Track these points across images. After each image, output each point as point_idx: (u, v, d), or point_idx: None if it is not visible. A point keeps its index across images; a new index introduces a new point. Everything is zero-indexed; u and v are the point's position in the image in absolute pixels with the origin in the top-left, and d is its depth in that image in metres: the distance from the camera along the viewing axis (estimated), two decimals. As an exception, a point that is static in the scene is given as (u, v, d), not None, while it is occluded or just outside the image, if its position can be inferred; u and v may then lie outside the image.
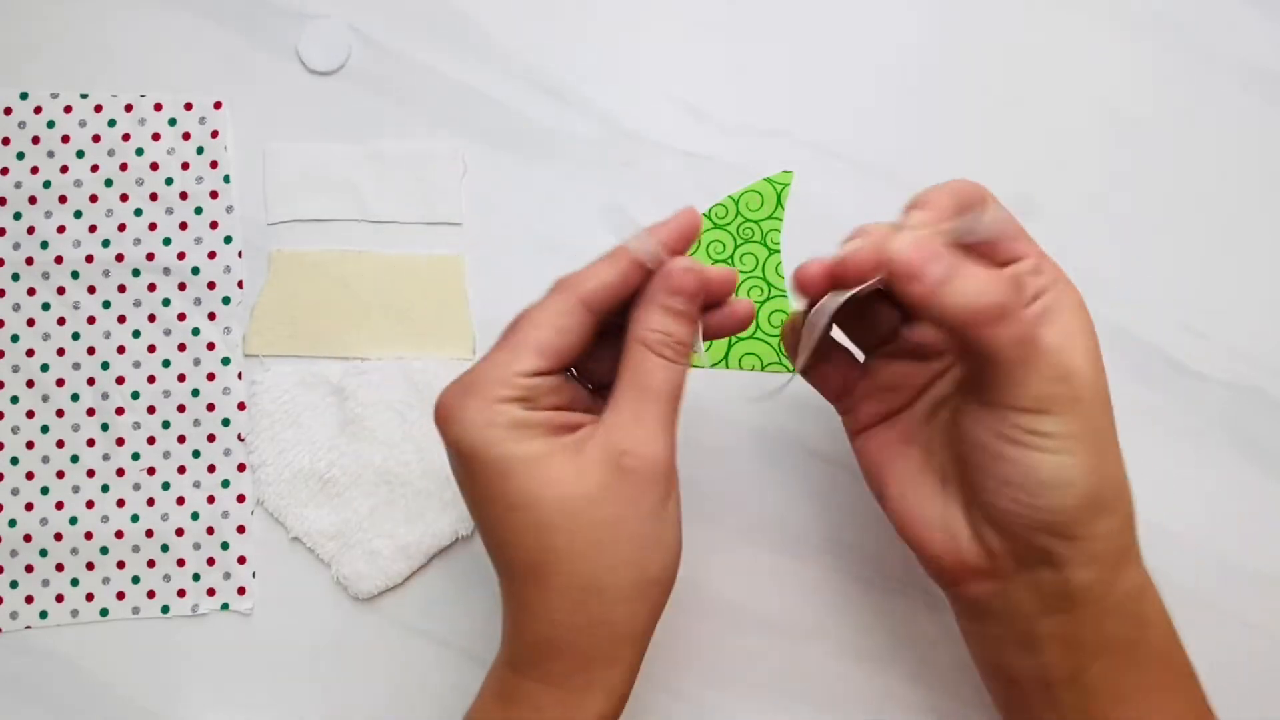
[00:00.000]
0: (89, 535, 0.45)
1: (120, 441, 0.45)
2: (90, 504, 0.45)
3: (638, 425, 0.33)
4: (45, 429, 0.45)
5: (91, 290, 0.46)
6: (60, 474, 0.45)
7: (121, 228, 0.46)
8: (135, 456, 0.45)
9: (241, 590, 0.45)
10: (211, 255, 0.46)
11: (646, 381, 0.33)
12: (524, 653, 0.33)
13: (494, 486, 0.32)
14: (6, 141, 0.46)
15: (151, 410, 0.45)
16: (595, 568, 0.32)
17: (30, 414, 0.45)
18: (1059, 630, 0.32)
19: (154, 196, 0.46)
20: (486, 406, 0.32)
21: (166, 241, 0.46)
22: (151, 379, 0.45)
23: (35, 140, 0.46)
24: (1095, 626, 0.32)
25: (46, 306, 0.46)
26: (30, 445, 0.45)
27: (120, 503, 0.45)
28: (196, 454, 0.45)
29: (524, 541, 0.32)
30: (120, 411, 0.45)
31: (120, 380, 0.45)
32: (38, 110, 0.46)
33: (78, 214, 0.46)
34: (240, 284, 0.46)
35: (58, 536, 0.45)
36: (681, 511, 0.34)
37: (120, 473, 0.45)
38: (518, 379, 0.32)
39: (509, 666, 0.34)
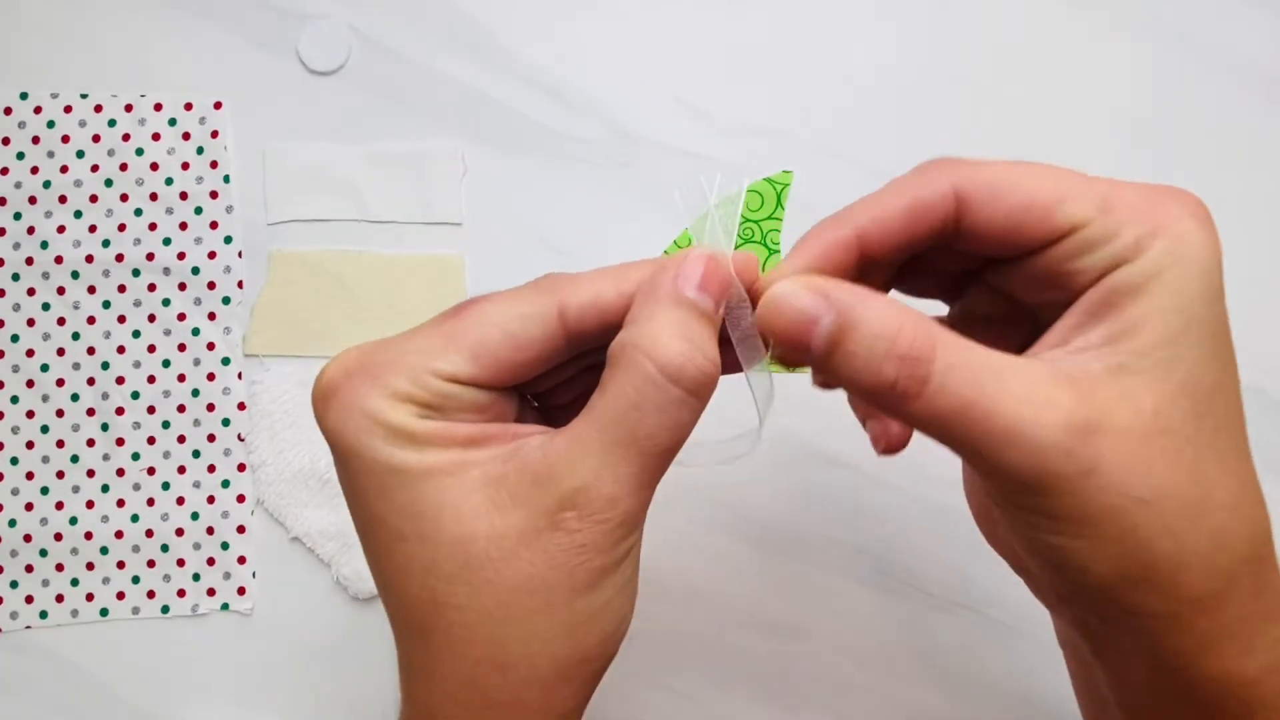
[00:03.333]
0: (89, 535, 0.45)
1: (120, 441, 0.45)
2: (90, 504, 0.45)
3: (603, 473, 0.23)
4: (45, 429, 0.45)
5: (91, 290, 0.46)
6: (60, 474, 0.45)
7: (121, 228, 0.46)
8: (135, 456, 0.45)
9: (241, 590, 0.44)
10: (211, 255, 0.46)
11: (641, 421, 0.23)
12: None
13: (374, 503, 0.24)
14: (6, 141, 0.46)
15: (151, 410, 0.45)
16: (502, 639, 0.23)
17: (30, 414, 0.45)
18: (1121, 670, 0.26)
19: (154, 196, 0.46)
20: (377, 396, 0.24)
21: (166, 241, 0.46)
22: (151, 379, 0.45)
23: (35, 140, 0.46)
24: (1167, 689, 0.25)
25: (46, 306, 0.46)
26: (30, 445, 0.45)
27: (120, 503, 0.45)
28: (196, 454, 0.45)
29: (409, 587, 0.24)
30: (120, 411, 0.45)
31: (120, 380, 0.45)
32: (38, 110, 0.46)
33: (78, 214, 0.46)
34: (240, 284, 0.46)
35: (58, 536, 0.45)
36: (639, 568, 0.26)
37: (120, 473, 0.45)
38: (431, 379, 0.24)
39: None
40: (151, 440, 0.45)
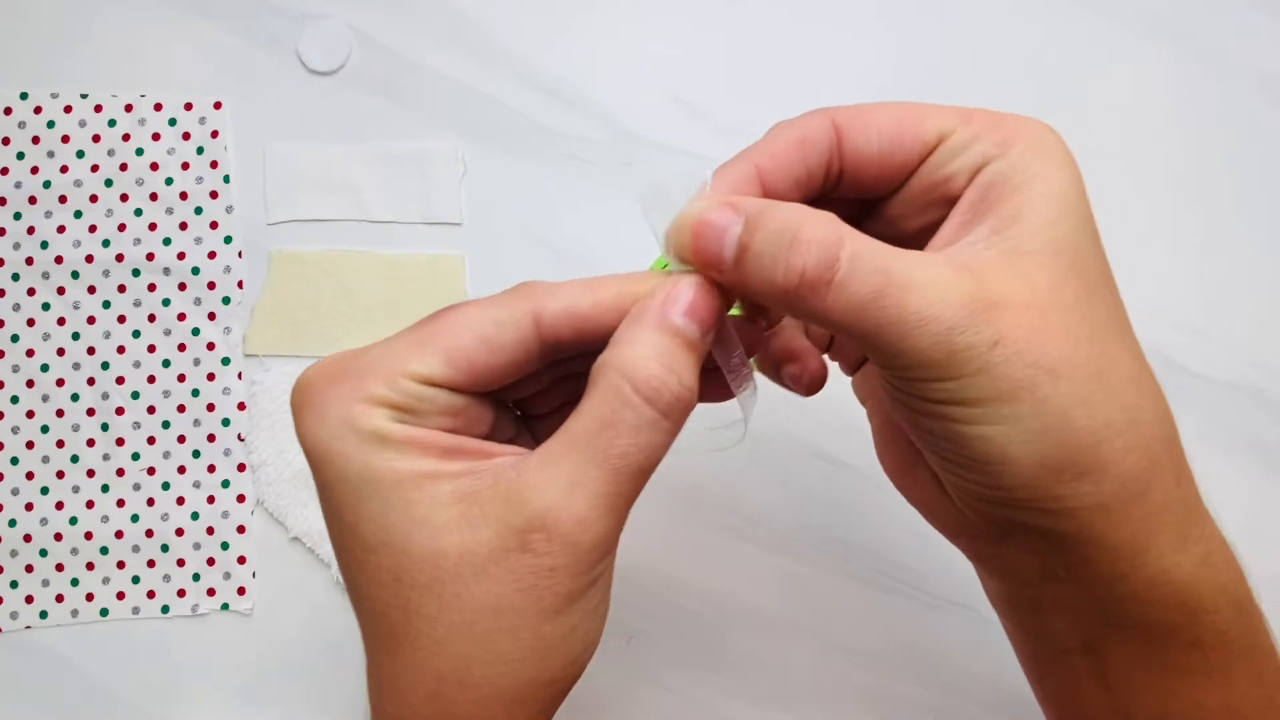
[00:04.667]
0: (89, 535, 0.45)
1: (120, 441, 0.45)
2: (90, 504, 0.45)
3: (574, 491, 0.23)
4: (45, 429, 0.45)
5: (91, 290, 0.46)
6: (60, 474, 0.45)
7: (121, 228, 0.46)
8: (135, 456, 0.45)
9: (241, 590, 0.44)
10: (211, 255, 0.46)
11: (609, 439, 0.23)
12: None
13: (346, 512, 0.24)
14: (6, 141, 0.46)
15: (151, 410, 0.45)
16: (467, 656, 0.23)
17: (30, 414, 0.45)
18: (1066, 599, 0.26)
19: (154, 196, 0.46)
20: (351, 400, 0.23)
21: (166, 241, 0.46)
22: (151, 379, 0.45)
23: (35, 140, 0.46)
24: (1112, 604, 0.25)
25: (46, 306, 0.46)
26: (30, 445, 0.45)
27: (120, 503, 0.45)
28: (196, 454, 0.45)
29: (381, 595, 0.24)
30: (120, 411, 0.45)
31: (120, 380, 0.45)
32: (38, 110, 0.46)
33: (78, 214, 0.46)
34: (240, 284, 0.46)
35: (58, 536, 0.45)
36: (612, 582, 0.26)
37: (120, 473, 0.45)
38: (404, 381, 0.24)
39: None
40: (151, 440, 0.45)
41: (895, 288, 0.22)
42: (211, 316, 0.46)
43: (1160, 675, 0.26)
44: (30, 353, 0.45)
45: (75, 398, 0.45)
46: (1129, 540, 0.24)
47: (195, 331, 0.46)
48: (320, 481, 0.24)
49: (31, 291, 0.46)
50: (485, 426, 0.26)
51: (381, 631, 0.24)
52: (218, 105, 0.47)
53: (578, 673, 0.26)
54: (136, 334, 0.46)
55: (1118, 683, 0.27)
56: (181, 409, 0.45)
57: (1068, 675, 0.28)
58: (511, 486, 0.23)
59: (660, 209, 0.24)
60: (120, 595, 0.45)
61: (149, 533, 0.45)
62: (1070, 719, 0.29)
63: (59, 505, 0.45)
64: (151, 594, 0.45)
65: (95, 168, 0.46)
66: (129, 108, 0.46)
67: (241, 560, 0.45)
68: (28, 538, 0.45)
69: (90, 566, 0.45)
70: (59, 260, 0.46)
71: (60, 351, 0.46)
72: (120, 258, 0.46)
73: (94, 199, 0.46)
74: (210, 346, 0.46)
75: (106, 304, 0.46)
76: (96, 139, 0.46)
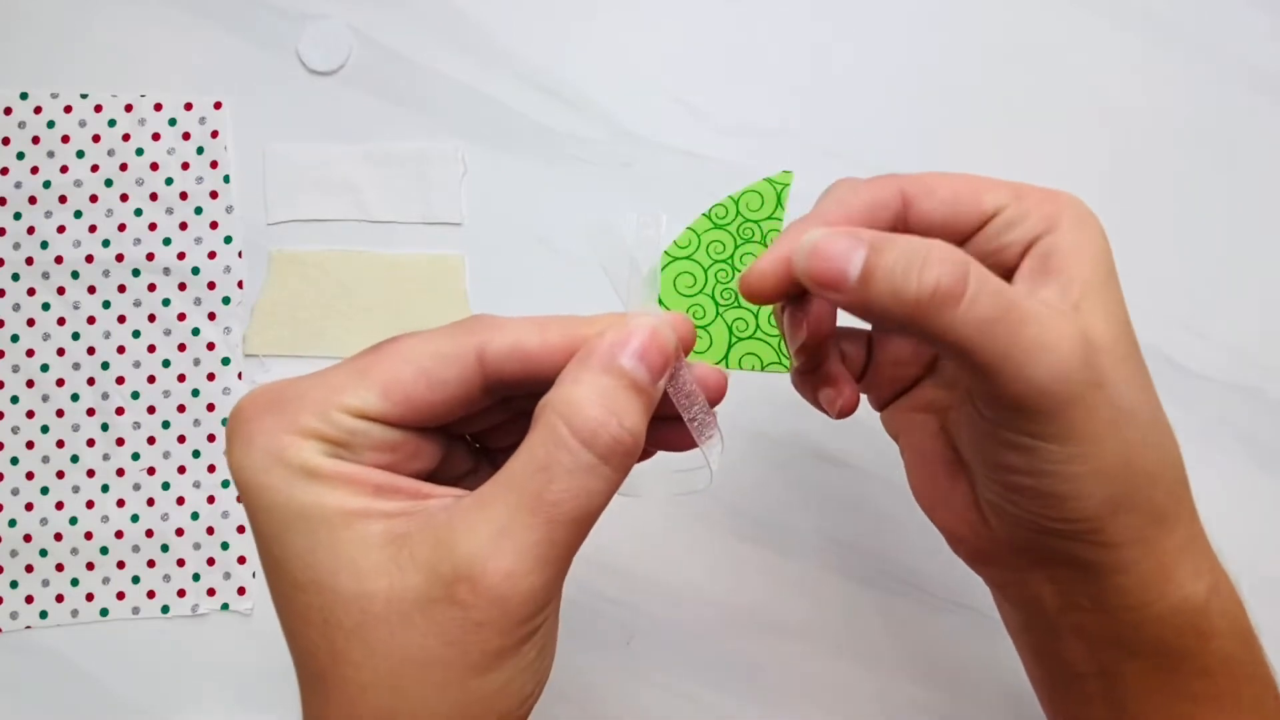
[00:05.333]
0: (89, 535, 0.45)
1: (120, 441, 0.45)
2: (90, 504, 0.45)
3: (501, 541, 0.22)
4: (45, 429, 0.45)
5: (91, 290, 0.46)
6: (60, 474, 0.45)
7: (121, 228, 0.46)
8: (135, 456, 0.45)
9: (241, 590, 0.44)
10: (211, 255, 0.46)
11: (548, 485, 0.22)
12: None
13: (274, 546, 0.23)
14: (6, 141, 0.46)
15: (151, 410, 0.45)
16: (390, 707, 0.22)
17: (30, 414, 0.45)
18: (1085, 627, 0.28)
19: (154, 196, 0.46)
20: (282, 432, 0.23)
21: (166, 241, 0.46)
22: (151, 379, 0.45)
23: (35, 140, 0.46)
24: (1131, 630, 0.27)
25: (46, 306, 0.46)
26: (30, 445, 0.45)
27: (120, 503, 0.45)
28: (196, 454, 0.45)
29: (310, 635, 0.23)
30: (120, 411, 0.45)
31: (120, 380, 0.45)
32: (38, 110, 0.46)
33: (78, 214, 0.46)
34: (240, 284, 0.46)
35: (58, 536, 0.45)
36: (557, 635, 0.25)
37: (120, 473, 0.45)
38: (338, 414, 0.23)
39: None
40: (151, 440, 0.45)
41: (1018, 312, 0.23)
42: (211, 316, 0.46)
43: (1171, 701, 0.27)
44: (30, 353, 0.45)
45: (75, 398, 0.45)
46: (1156, 570, 0.26)
47: (195, 331, 0.46)
48: (249, 513, 0.23)
49: (31, 291, 0.46)
50: (430, 462, 0.25)
51: (309, 673, 0.24)
52: (218, 105, 0.47)
53: None
54: (136, 334, 0.46)
55: (1131, 708, 0.28)
56: (181, 409, 0.45)
57: (1081, 700, 0.29)
58: (441, 531, 0.22)
59: (610, 248, 0.24)
60: (120, 595, 0.45)
61: (149, 533, 0.45)
62: None
63: (59, 505, 0.45)
64: (151, 594, 0.45)
65: (95, 168, 0.46)
66: (129, 108, 0.46)
67: (241, 560, 0.45)
68: (28, 538, 0.45)
69: (90, 566, 0.45)
70: (59, 260, 0.46)
71: (60, 351, 0.46)
72: (120, 258, 0.46)
73: (94, 199, 0.46)
74: (210, 346, 0.46)
75: (106, 304, 0.46)
76: (96, 139, 0.46)
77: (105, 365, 0.45)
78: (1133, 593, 0.26)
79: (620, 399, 0.23)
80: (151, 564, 0.45)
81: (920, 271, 0.23)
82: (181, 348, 0.46)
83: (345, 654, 0.22)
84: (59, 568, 0.45)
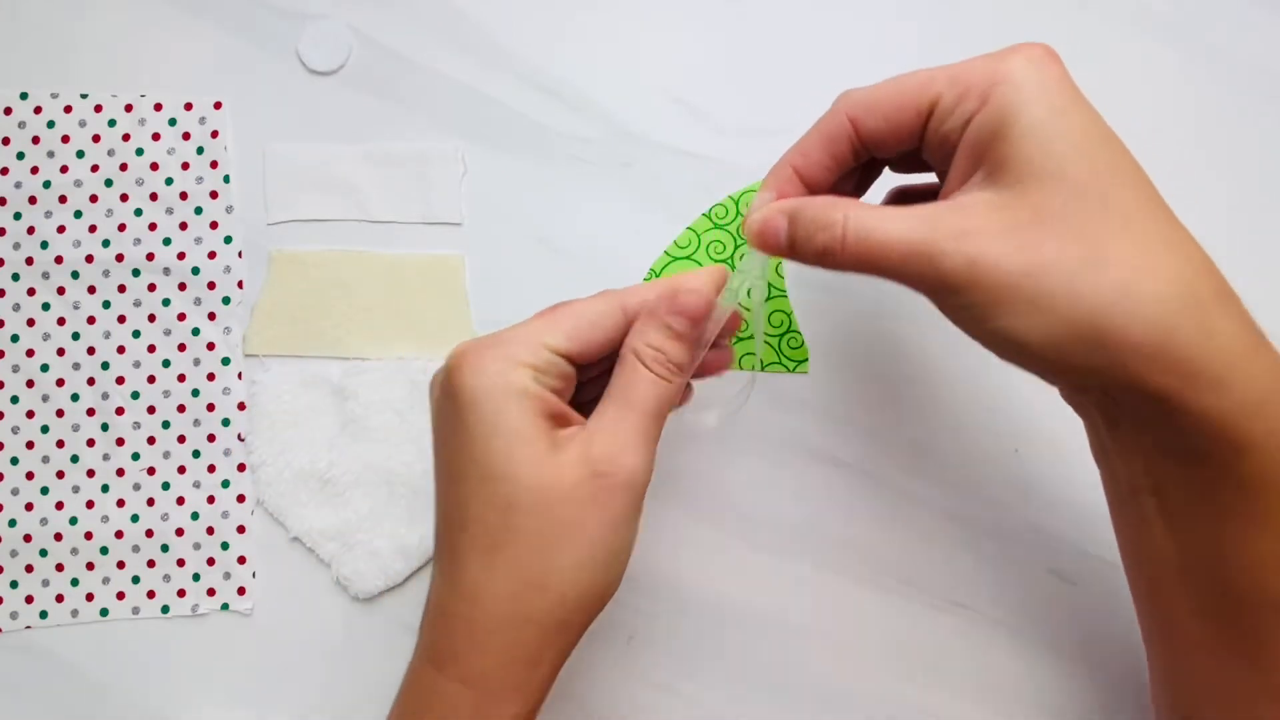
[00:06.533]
0: (89, 535, 0.45)
1: (120, 441, 0.45)
2: (90, 504, 0.45)
3: (617, 434, 0.32)
4: (45, 429, 0.45)
5: (91, 290, 0.46)
6: (60, 474, 0.45)
7: (121, 228, 0.46)
8: (135, 456, 0.45)
9: (241, 590, 0.45)
10: (211, 255, 0.46)
11: (632, 394, 0.33)
12: (446, 643, 0.32)
13: (477, 447, 0.31)
14: (6, 141, 0.46)
15: (151, 410, 0.45)
16: (547, 565, 0.31)
17: (30, 414, 0.45)
18: (1127, 443, 0.31)
19: (154, 196, 0.46)
20: (508, 365, 0.32)
21: (166, 241, 0.46)
22: (151, 379, 0.45)
23: (35, 140, 0.46)
24: (1165, 443, 0.30)
25: (46, 306, 0.46)
26: (30, 445, 0.45)
27: (120, 503, 0.45)
28: (196, 454, 0.45)
29: (488, 516, 0.31)
30: (120, 411, 0.45)
31: (120, 380, 0.45)
32: (38, 110, 0.46)
33: (78, 214, 0.46)
34: (240, 284, 0.46)
35: (58, 536, 0.45)
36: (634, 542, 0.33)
37: (120, 473, 0.45)
38: (542, 349, 0.32)
39: (429, 662, 0.33)
40: (151, 440, 0.45)
41: (875, 241, 0.30)
42: (211, 316, 0.46)
43: (1213, 517, 0.30)
44: (30, 353, 0.45)
45: (75, 398, 0.45)
46: (1163, 386, 0.28)
47: (195, 331, 0.46)
48: (462, 422, 0.31)
49: (31, 291, 0.46)
50: (570, 394, 0.35)
51: (483, 544, 0.31)
52: (218, 105, 0.47)
53: (612, 593, 0.33)
54: (136, 334, 0.46)
55: (1178, 522, 0.31)
56: (181, 409, 0.45)
57: (1138, 516, 0.33)
58: (580, 439, 0.32)
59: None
60: (120, 595, 0.45)
61: (149, 533, 0.45)
62: (1142, 561, 0.34)
63: (59, 505, 0.45)
64: (151, 594, 0.45)
65: (95, 168, 0.46)
66: (129, 108, 0.46)
67: (241, 560, 0.45)
68: (28, 538, 0.45)
69: (90, 566, 0.45)
70: (59, 260, 0.46)
71: (60, 351, 0.46)
72: (120, 258, 0.46)
73: (94, 199, 0.46)
74: (210, 346, 0.46)
75: (106, 304, 0.46)
76: (96, 139, 0.46)
77: (105, 365, 0.45)
78: (1146, 408, 0.29)
79: (667, 341, 0.33)
80: (151, 564, 0.45)
81: (811, 239, 0.31)
82: (181, 348, 0.46)
83: (520, 528, 0.31)
84: (59, 568, 0.45)
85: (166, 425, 0.45)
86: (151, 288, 0.46)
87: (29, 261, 0.46)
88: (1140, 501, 0.32)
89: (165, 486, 0.45)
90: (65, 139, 0.46)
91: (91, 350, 0.46)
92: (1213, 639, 0.32)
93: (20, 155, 0.46)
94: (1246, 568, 0.30)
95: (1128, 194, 0.29)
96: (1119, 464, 0.32)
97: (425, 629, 0.33)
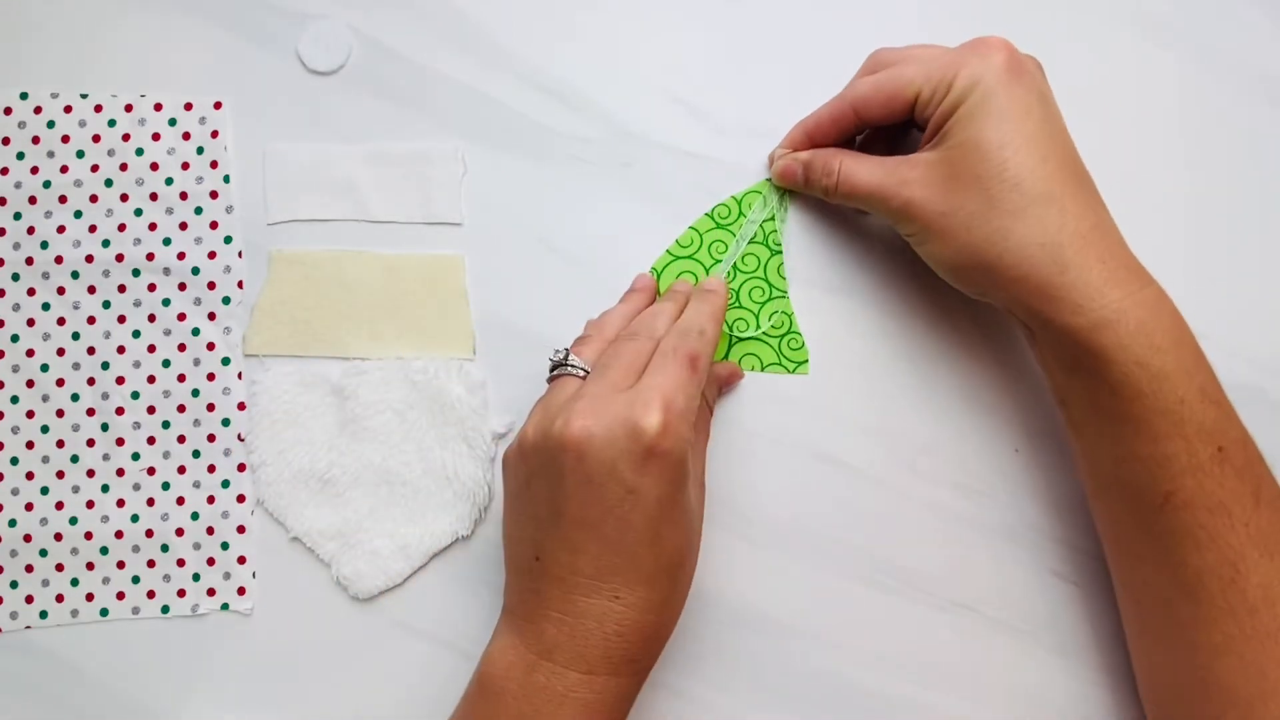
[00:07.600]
0: (89, 535, 0.45)
1: (120, 441, 0.45)
2: (90, 504, 0.45)
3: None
4: (45, 429, 0.45)
5: (91, 290, 0.46)
6: (60, 474, 0.45)
7: (121, 228, 0.46)
8: (135, 456, 0.45)
9: (241, 590, 0.45)
10: (211, 255, 0.46)
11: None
12: (593, 651, 0.36)
13: (679, 494, 0.36)
14: (6, 141, 0.46)
15: (151, 410, 0.45)
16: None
17: (30, 414, 0.45)
18: (1040, 353, 0.40)
19: (154, 196, 0.46)
20: (687, 428, 0.36)
21: (166, 241, 0.46)
22: (151, 379, 0.45)
23: (35, 140, 0.46)
24: (1052, 352, 0.39)
25: (46, 306, 0.46)
26: (30, 445, 0.45)
27: (120, 503, 0.45)
28: (196, 454, 0.45)
29: (677, 541, 0.36)
30: (120, 411, 0.45)
31: (120, 380, 0.45)
32: (38, 110, 0.46)
33: (78, 214, 0.46)
34: (240, 284, 0.46)
35: (58, 536, 0.45)
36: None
37: (120, 473, 0.45)
38: (694, 403, 0.37)
39: (611, 674, 0.36)
40: (151, 440, 0.45)
41: (855, 183, 0.42)
42: (211, 316, 0.46)
43: (1102, 421, 0.38)
44: (30, 353, 0.45)
45: (75, 398, 0.45)
46: (1036, 307, 0.37)
47: (195, 331, 0.46)
48: (671, 483, 0.35)
49: (31, 291, 0.46)
50: None
51: (672, 565, 0.37)
52: (218, 105, 0.47)
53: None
54: (136, 334, 0.46)
55: (1081, 428, 0.39)
56: (181, 409, 0.45)
57: (1070, 427, 0.40)
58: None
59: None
60: (120, 595, 0.45)
61: (149, 533, 0.45)
62: (1080, 475, 0.41)
63: (59, 505, 0.45)
64: (151, 594, 0.45)
65: (95, 168, 0.46)
66: (129, 108, 0.46)
67: (241, 560, 0.45)
68: (28, 538, 0.45)
69: (90, 566, 0.45)
70: (59, 260, 0.46)
71: (60, 351, 0.46)
72: (120, 258, 0.46)
73: (94, 199, 0.46)
74: (210, 346, 0.46)
75: (106, 304, 0.46)
76: (96, 139, 0.46)
77: (105, 365, 0.45)
78: (1032, 323, 0.38)
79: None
80: (151, 564, 0.45)
81: (819, 179, 0.43)
82: (181, 348, 0.46)
83: (690, 544, 0.38)
84: (59, 568, 0.45)
85: (166, 425, 0.45)
86: (151, 288, 0.46)
87: (29, 261, 0.46)
88: (1062, 415, 0.40)
89: (165, 486, 0.45)
90: (65, 139, 0.46)
91: (91, 350, 0.46)
92: (1127, 546, 0.39)
93: (20, 155, 0.46)
94: (1135, 470, 0.37)
95: (1024, 159, 0.37)
96: (1047, 380, 0.41)
97: (555, 646, 0.36)
